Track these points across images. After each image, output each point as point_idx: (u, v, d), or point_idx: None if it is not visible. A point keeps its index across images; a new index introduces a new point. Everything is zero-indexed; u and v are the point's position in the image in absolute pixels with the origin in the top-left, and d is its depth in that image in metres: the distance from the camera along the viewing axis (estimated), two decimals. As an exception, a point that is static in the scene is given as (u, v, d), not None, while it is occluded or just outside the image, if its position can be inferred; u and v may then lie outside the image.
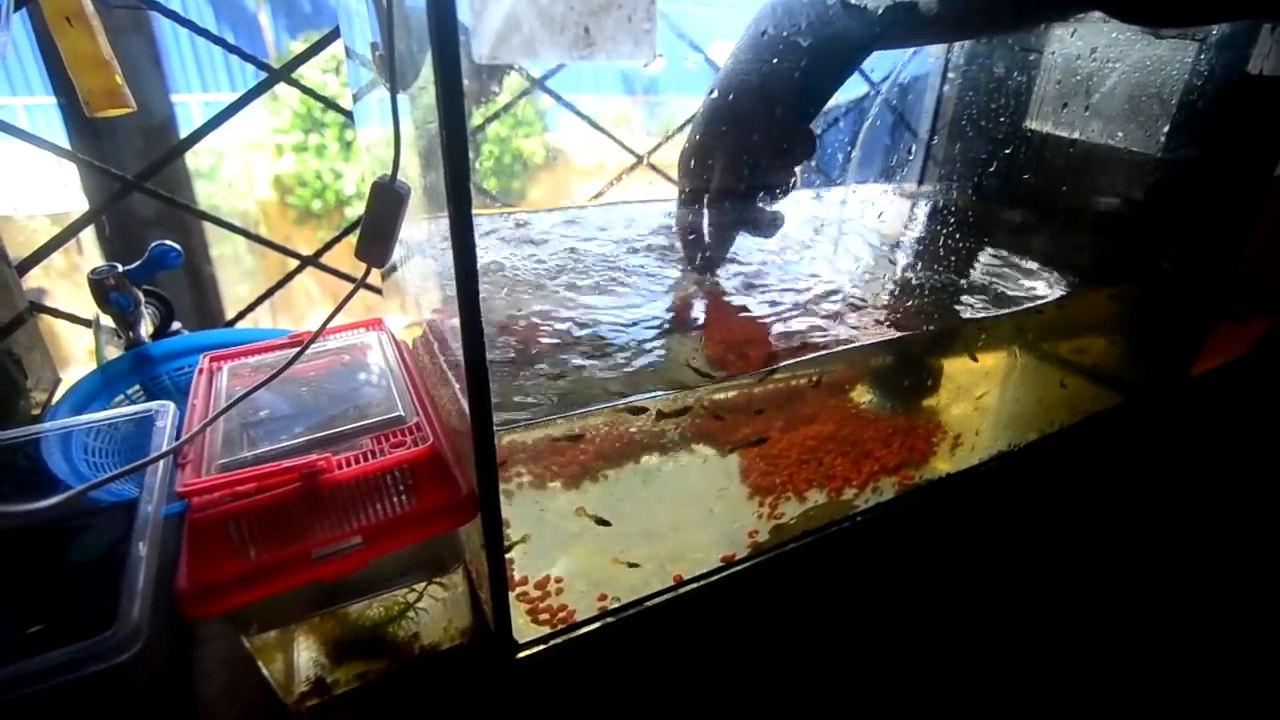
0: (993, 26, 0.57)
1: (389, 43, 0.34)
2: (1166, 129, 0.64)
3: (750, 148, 0.55)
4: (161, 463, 0.41)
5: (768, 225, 0.60)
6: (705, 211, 0.60)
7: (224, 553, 0.33)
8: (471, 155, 0.91)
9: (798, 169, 0.59)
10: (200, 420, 0.39)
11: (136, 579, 0.34)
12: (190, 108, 0.69)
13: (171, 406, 0.46)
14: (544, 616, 0.48)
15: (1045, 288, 0.65)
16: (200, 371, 0.44)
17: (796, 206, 0.84)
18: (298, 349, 0.40)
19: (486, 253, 0.66)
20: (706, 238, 0.62)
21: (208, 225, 0.72)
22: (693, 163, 0.57)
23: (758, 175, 0.57)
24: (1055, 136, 0.72)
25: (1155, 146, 0.65)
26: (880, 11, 0.45)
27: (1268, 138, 0.62)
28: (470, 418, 0.35)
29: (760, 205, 0.60)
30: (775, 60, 0.51)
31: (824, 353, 0.54)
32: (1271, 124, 0.61)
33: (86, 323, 0.65)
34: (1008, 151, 0.75)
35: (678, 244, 0.67)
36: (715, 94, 0.55)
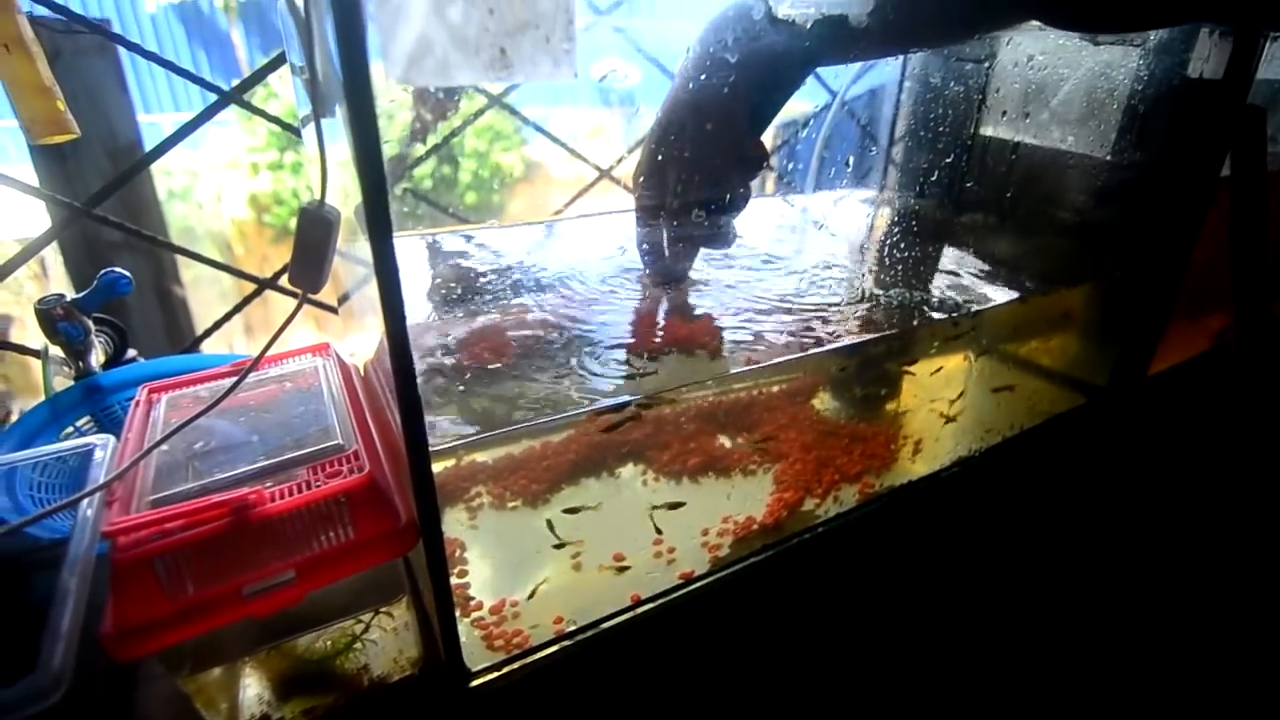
0: (926, 39, 0.57)
1: (310, 63, 0.34)
2: (1115, 134, 0.65)
3: (702, 166, 0.56)
4: (97, 498, 0.40)
5: (724, 239, 0.61)
6: (663, 227, 0.61)
7: (150, 593, 0.32)
8: (448, 171, 0.91)
9: (752, 184, 0.60)
10: (132, 455, 0.38)
11: (61, 622, 0.33)
12: (162, 128, 0.68)
13: (111, 440, 0.45)
14: (499, 642, 0.47)
15: (999, 292, 0.65)
16: (136, 404, 0.44)
17: (756, 212, 0.84)
18: (234, 380, 0.40)
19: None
20: (667, 253, 0.62)
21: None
22: (646, 180, 0.58)
23: (712, 191, 0.58)
24: (1005, 141, 0.72)
25: (1105, 150, 0.66)
26: (810, 25, 0.45)
27: (1211, 140, 0.63)
28: (403, 442, 0.34)
29: (718, 220, 0.60)
30: (720, 80, 0.52)
31: (775, 361, 0.54)
32: (1214, 127, 0.62)
33: (36, 353, 0.64)
34: (949, 160, 0.76)
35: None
36: (664, 115, 0.56)
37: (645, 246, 0.63)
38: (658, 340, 0.55)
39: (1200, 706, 0.73)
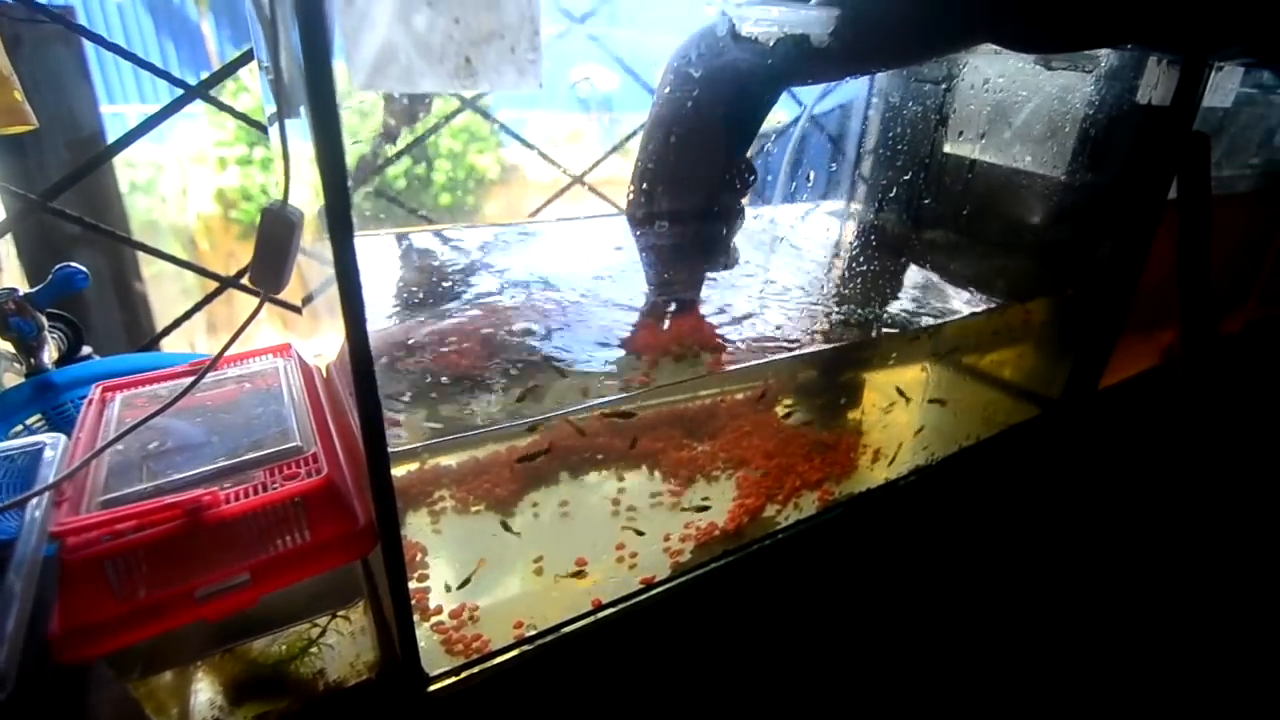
0: (885, 60, 0.59)
1: (275, 63, 0.34)
2: (1068, 155, 0.67)
3: (688, 186, 0.57)
4: (45, 498, 0.39)
5: (725, 262, 0.63)
6: (665, 253, 0.62)
7: (98, 594, 0.32)
8: (422, 171, 0.90)
9: (744, 201, 0.61)
10: (83, 455, 0.37)
11: (5, 624, 0.32)
12: (126, 119, 0.67)
13: (62, 439, 0.44)
14: (459, 647, 0.47)
15: (955, 306, 0.67)
16: (89, 403, 0.43)
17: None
18: (191, 380, 0.39)
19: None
20: (675, 281, 0.63)
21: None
22: (639, 204, 0.58)
23: (708, 211, 0.59)
24: (962, 160, 0.75)
25: (1059, 171, 0.69)
26: (772, 44, 0.47)
27: (1159, 164, 0.66)
28: (362, 445, 0.34)
29: (718, 242, 0.61)
30: (694, 102, 0.53)
31: (736, 367, 0.54)
32: (1161, 151, 0.65)
33: (-16, 349, 0.62)
34: (909, 177, 0.78)
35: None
36: (650, 143, 0.57)
37: (651, 273, 0.63)
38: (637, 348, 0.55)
39: (1141, 700, 0.76)
